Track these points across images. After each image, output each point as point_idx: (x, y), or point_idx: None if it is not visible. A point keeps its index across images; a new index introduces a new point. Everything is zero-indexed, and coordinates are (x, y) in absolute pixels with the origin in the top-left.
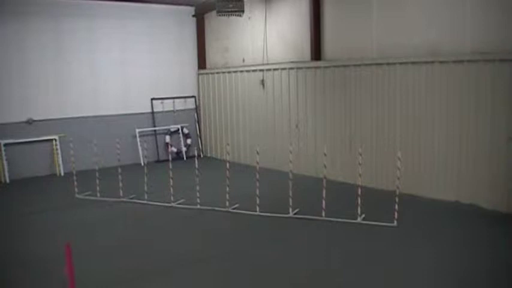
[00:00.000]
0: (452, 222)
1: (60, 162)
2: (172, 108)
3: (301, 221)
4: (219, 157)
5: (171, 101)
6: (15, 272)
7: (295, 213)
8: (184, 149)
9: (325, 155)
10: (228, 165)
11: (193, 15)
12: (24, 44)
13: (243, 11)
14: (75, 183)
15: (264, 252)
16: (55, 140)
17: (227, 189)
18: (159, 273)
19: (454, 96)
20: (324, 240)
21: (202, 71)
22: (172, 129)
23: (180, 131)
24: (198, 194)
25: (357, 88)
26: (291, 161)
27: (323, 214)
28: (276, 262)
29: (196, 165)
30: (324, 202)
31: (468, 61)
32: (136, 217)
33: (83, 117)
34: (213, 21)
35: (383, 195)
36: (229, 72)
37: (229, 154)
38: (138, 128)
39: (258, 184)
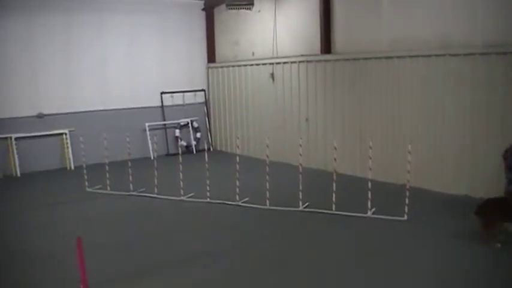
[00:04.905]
0: (463, 216)
1: (71, 156)
2: (182, 102)
3: (311, 214)
4: (228, 151)
5: (181, 94)
6: (25, 265)
7: (305, 207)
8: (193, 142)
9: (335, 148)
10: (237, 158)
11: (202, 9)
12: (34, 38)
13: (252, 5)
14: (86, 176)
15: (275, 246)
16: (65, 134)
17: (237, 182)
18: (169, 267)
19: (465, 89)
20: (334, 234)
21: (211, 65)
22: (182, 123)
23: (190, 124)
24: (207, 188)
25: (367, 81)
26: (300, 155)
27: (333, 208)
28: (287, 256)
29: (206, 159)
30: (334, 196)
31: (480, 54)
32: (147, 211)
33: (93, 111)
34: (223, 14)
35: (393, 189)
36: (238, 65)
37: (238, 148)
38: (148, 121)
39: (267, 178)
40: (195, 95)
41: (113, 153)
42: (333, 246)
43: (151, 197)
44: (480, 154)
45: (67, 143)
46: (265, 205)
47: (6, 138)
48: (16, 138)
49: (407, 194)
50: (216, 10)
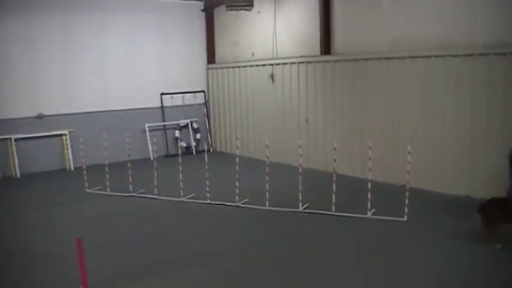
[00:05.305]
0: (463, 217)
1: (70, 156)
2: (181, 103)
3: (311, 215)
4: (228, 152)
5: (181, 95)
6: (25, 265)
7: (304, 208)
8: (193, 143)
9: (335, 149)
10: (237, 159)
11: (202, 10)
12: (34, 38)
13: (252, 6)
14: (85, 177)
15: (274, 246)
16: (65, 134)
17: (236, 183)
18: (169, 267)
19: (465, 90)
20: (333, 235)
21: (211, 66)
22: (181, 124)
23: (190, 125)
24: (207, 189)
25: (367, 82)
26: (300, 155)
27: (333, 209)
28: (287, 256)
29: (206, 160)
30: (333, 197)
31: (480, 54)
32: (146, 211)
33: (92, 112)
34: (223, 15)
35: (393, 190)
36: (238, 66)
37: (238, 148)
38: (148, 122)
39: (267, 178)
40: (194, 96)
41: (113, 154)
42: (332, 246)
43: (151, 197)
44: (480, 154)
45: (67, 144)
46: (265, 206)
47: (6, 139)
48: (16, 139)
49: (407, 194)
50: (215, 11)
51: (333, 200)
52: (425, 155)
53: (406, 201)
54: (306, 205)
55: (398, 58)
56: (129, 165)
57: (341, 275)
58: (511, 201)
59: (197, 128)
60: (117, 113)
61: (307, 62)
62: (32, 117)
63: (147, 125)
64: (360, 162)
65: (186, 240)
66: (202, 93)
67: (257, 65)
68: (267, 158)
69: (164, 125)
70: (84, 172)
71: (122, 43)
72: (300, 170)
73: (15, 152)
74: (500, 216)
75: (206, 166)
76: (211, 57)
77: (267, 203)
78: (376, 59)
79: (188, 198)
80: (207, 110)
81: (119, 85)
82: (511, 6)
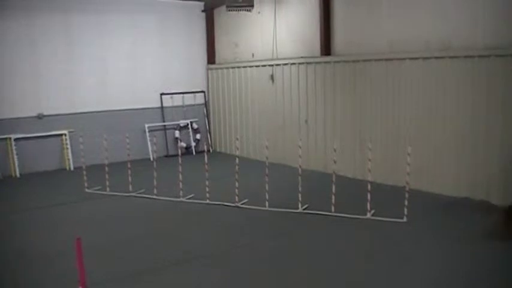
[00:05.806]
0: (463, 219)
1: (70, 156)
2: (181, 103)
3: (310, 216)
4: (228, 152)
5: (181, 96)
6: (25, 266)
7: (304, 209)
8: (193, 144)
9: (334, 150)
10: (237, 160)
11: (202, 10)
12: (35, 39)
13: (252, 6)
14: (85, 177)
15: (274, 247)
16: (65, 134)
17: (236, 184)
18: (168, 267)
19: (465, 92)
20: (333, 236)
21: (211, 66)
22: (181, 124)
23: (190, 126)
24: (207, 189)
25: (366, 83)
26: (300, 156)
27: (332, 210)
28: (286, 257)
29: (206, 160)
30: (333, 197)
31: (479, 56)
32: (146, 212)
33: (92, 112)
34: (223, 16)
35: (393, 191)
36: (238, 67)
37: (238, 149)
38: (148, 123)
39: (267, 179)
40: (194, 96)
41: (113, 154)
42: (332, 247)
43: (150, 198)
44: (480, 156)
45: (66, 144)
46: (265, 206)
47: (5, 138)
48: (16, 139)
49: (407, 195)
50: (216, 11)
51: (333, 201)
52: (425, 156)
53: (406, 203)
54: (305, 206)
55: (398, 59)
56: (129, 165)
57: (341, 275)
58: None
59: (197, 129)
60: (117, 113)
61: (307, 63)
62: (31, 117)
63: (146, 125)
64: (360, 163)
65: (186, 240)
66: (202, 94)
67: (257, 66)
68: (267, 158)
69: (164, 125)
70: (84, 172)
71: (122, 43)
72: (300, 171)
73: (14, 152)
74: None
75: (206, 166)
76: (211, 58)
77: (267, 203)
78: (376, 60)
79: (188, 199)
80: (207, 111)
81: (119, 85)
82: (511, 7)
